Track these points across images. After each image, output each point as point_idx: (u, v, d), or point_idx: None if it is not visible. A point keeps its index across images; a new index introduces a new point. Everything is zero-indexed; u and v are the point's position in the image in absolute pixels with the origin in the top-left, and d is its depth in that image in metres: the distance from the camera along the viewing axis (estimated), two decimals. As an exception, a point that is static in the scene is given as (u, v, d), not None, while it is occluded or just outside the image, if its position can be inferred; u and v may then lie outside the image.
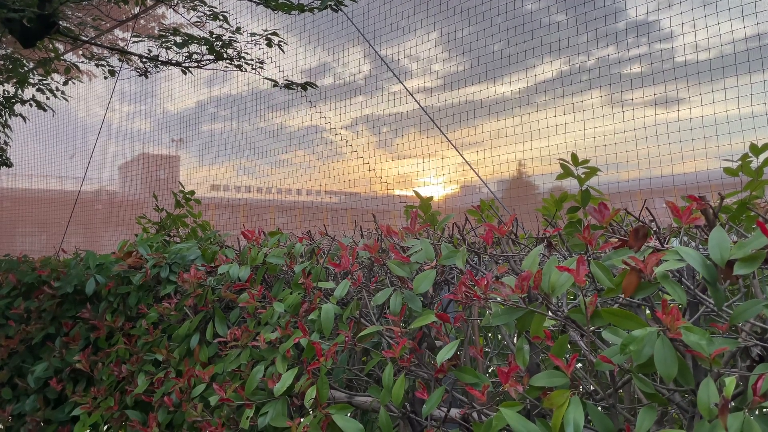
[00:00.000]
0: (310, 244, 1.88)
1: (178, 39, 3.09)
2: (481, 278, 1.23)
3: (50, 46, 3.96)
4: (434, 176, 3.76)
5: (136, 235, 3.95)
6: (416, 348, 1.39)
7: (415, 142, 3.79)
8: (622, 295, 1.09)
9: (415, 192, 2.58)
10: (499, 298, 1.21)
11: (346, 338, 1.50)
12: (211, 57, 3.43)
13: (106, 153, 7.02)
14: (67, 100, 5.43)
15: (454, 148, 3.20)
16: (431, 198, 2.47)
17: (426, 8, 3.76)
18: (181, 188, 3.95)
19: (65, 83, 4.60)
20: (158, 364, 2.25)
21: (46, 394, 2.88)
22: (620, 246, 1.13)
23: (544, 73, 3.23)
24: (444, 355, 1.27)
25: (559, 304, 1.22)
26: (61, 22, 3.05)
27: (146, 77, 3.95)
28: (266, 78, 3.45)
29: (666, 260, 1.03)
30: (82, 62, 4.02)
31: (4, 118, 5.52)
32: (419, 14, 3.80)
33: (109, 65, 3.92)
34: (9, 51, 5.26)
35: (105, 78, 4.04)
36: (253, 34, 3.20)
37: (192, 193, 4.00)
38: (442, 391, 1.31)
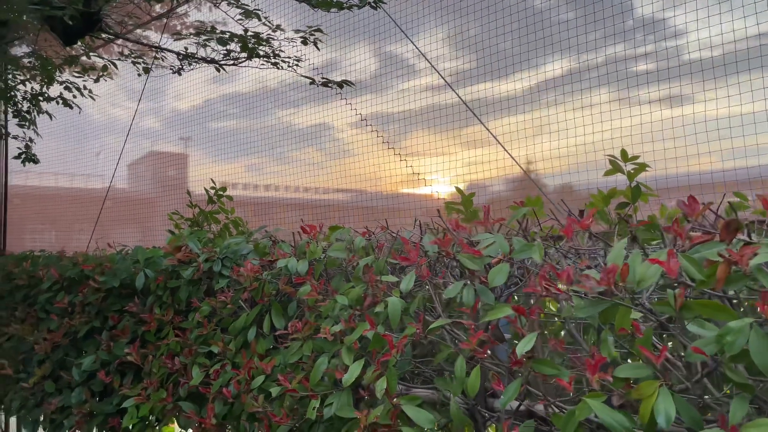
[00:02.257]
0: (369, 239, 1.90)
1: (221, 35, 3.12)
2: (562, 271, 1.26)
3: (90, 43, 4.00)
4: (441, 175, 3.75)
5: (171, 232, 4.01)
6: (491, 340, 1.42)
7: (422, 138, 3.79)
8: (708, 289, 1.12)
9: (457, 188, 2.60)
10: (581, 291, 1.23)
11: (417, 330, 1.52)
12: (255, 54, 3.46)
13: (116, 151, 7.11)
14: (93, 98, 5.48)
15: (498, 141, 3.21)
16: (473, 194, 2.49)
17: (435, 6, 3.77)
18: (212, 184, 3.99)
19: (96, 80, 4.65)
20: (212, 357, 2.29)
21: (91, 387, 2.93)
22: (706, 240, 1.15)
23: (554, 71, 3.23)
24: (523, 347, 1.29)
25: (647, 297, 1.24)
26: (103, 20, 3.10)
27: (179, 74, 3.99)
28: (304, 76, 3.48)
29: (758, 253, 1.05)
30: (119, 59, 4.06)
31: (32, 115, 5.58)
32: (428, 12, 3.80)
33: (144, 63, 3.95)
34: (35, 47, 5.32)
35: (139, 75, 4.07)
36: (297, 31, 3.23)
37: (224, 189, 4.04)
38: (519, 383, 1.34)
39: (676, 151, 2.73)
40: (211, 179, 4.29)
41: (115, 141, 7.07)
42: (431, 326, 1.51)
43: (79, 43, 3.82)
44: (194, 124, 6.04)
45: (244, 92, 5.33)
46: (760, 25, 2.58)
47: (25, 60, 5.47)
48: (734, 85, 2.60)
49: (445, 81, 3.50)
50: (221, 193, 4.03)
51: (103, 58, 3.94)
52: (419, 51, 3.54)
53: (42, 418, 3.19)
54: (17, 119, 5.87)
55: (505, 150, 3.11)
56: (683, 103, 2.76)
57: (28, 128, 5.83)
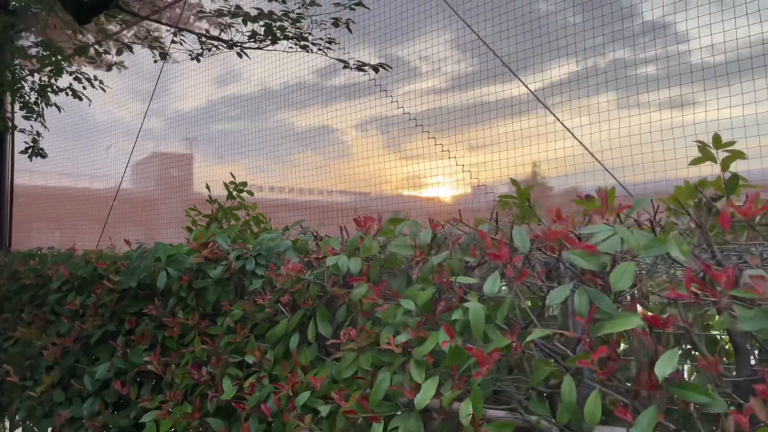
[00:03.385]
0: (435, 234, 1.63)
1: (246, 14, 2.86)
2: (719, 271, 0.98)
3: (106, 22, 3.75)
4: (442, 177, 3.71)
5: (189, 229, 3.75)
6: (613, 357, 1.14)
7: (422, 141, 3.74)
8: None
9: (512, 180, 2.33)
10: (746, 298, 0.96)
11: (514, 344, 1.25)
12: (278, 37, 3.20)
13: (120, 151, 7.00)
14: (104, 89, 5.24)
15: (566, 128, 2.94)
16: (531, 187, 2.22)
17: (439, 10, 3.70)
18: (232, 179, 3.75)
19: (108, 69, 4.40)
20: (244, 367, 2.02)
21: (104, 398, 2.67)
22: None
23: (560, 75, 3.19)
24: (665, 367, 1.02)
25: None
26: (118, -3, 2.85)
27: (198, 61, 3.73)
28: (337, 59, 3.21)
29: None
30: (136, 42, 3.80)
31: (40, 108, 5.33)
32: (432, 15, 3.71)
33: (161, 48, 3.70)
34: (44, 38, 5.07)
35: (155, 62, 3.82)
36: (337, 4, 2.96)
37: (244, 184, 3.79)
38: (655, 411, 1.06)
39: (684, 151, 2.68)
40: (231, 173, 4.03)
41: (121, 141, 6.91)
42: (530, 337, 1.24)
43: (94, 23, 3.56)
44: (199, 124, 5.89)
45: (245, 93, 5.23)
46: (764, 26, 2.54)
47: (33, 50, 5.23)
48: (736, 87, 2.57)
49: (515, 74, 3.22)
50: (241, 188, 3.78)
51: (118, 42, 3.68)
52: (489, 48, 3.26)
53: (50, 431, 2.93)
54: (24, 111, 5.62)
55: (580, 142, 2.83)
56: (687, 106, 2.71)
57: (36, 120, 5.58)
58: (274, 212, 4.48)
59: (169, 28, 3.62)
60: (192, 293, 2.32)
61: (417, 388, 1.42)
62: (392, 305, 1.57)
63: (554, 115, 2.89)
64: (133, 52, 3.86)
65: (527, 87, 3.20)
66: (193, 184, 6.43)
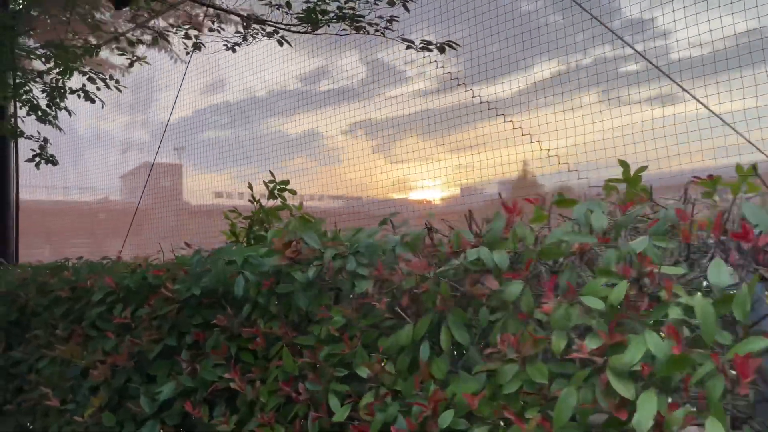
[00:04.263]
0: (614, 219, 1.37)
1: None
2: None
3: (145, 5, 3.45)
4: (430, 179, 3.74)
5: (233, 233, 3.46)
6: None
7: (413, 146, 3.78)
8: None
9: (621, 161, 2.07)
10: None
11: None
12: (319, 21, 2.93)
13: (108, 163, 6.88)
14: (120, 90, 4.94)
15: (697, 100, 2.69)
16: (644, 168, 1.96)
17: (423, 11, 3.60)
18: (271, 177, 3.48)
19: (130, 65, 4.11)
20: (352, 382, 1.74)
21: (165, 420, 2.38)
22: None
23: (542, 72, 3.21)
24: None
25: None
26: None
27: (233, 51, 3.45)
28: (402, 39, 2.94)
29: None
30: (170, 30, 3.51)
31: (53, 111, 5.02)
32: (417, 17, 3.61)
33: (197, 34, 3.40)
34: (47, 41, 4.78)
35: (187, 53, 3.54)
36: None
37: (286, 182, 3.52)
38: None
39: (668, 150, 2.66)
40: (270, 171, 3.75)
41: (106, 154, 6.73)
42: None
43: (131, 10, 3.27)
44: (188, 133, 5.76)
45: (232, 102, 5.18)
46: (747, 22, 2.53)
47: (41, 50, 4.93)
48: (725, 82, 2.59)
49: (655, 66, 2.98)
50: (283, 186, 3.51)
51: (151, 30, 3.39)
52: (628, 44, 3.02)
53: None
54: (32, 115, 5.29)
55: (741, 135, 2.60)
56: (669, 101, 2.72)
57: (48, 125, 5.26)
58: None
59: (207, 14, 3.32)
60: (273, 299, 2.04)
61: (622, 404, 1.15)
62: (563, 305, 1.31)
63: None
64: (169, 42, 3.57)
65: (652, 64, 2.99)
66: (182, 193, 6.28)
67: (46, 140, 5.42)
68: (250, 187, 3.64)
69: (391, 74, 3.55)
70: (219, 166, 5.54)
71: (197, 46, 3.48)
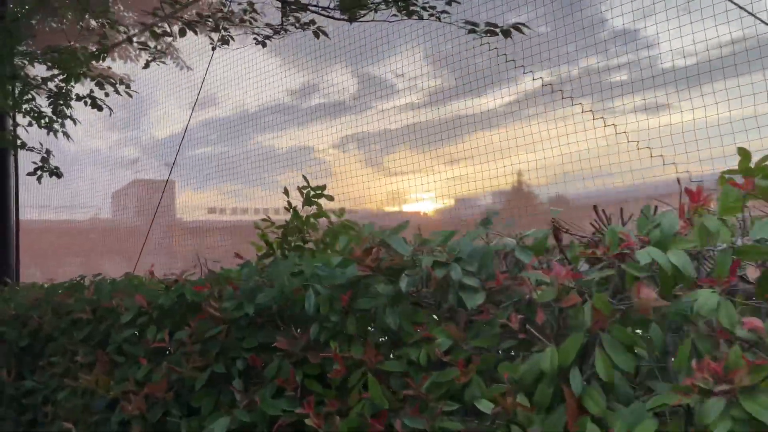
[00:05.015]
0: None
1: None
2: None
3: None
4: (424, 191, 3.76)
5: (267, 243, 3.14)
6: None
7: (405, 159, 3.82)
8: None
9: (740, 149, 1.77)
10: None
11: None
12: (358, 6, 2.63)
13: (96, 180, 6.78)
14: (130, 95, 4.63)
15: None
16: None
17: (409, 24, 3.53)
18: (305, 182, 3.16)
19: (146, 67, 3.80)
20: (467, 417, 1.42)
21: (211, 462, 2.04)
22: None
23: (533, 84, 3.18)
24: None
25: None
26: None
27: (263, 46, 3.14)
28: (464, 22, 2.63)
29: None
30: (199, 21, 3.18)
31: (62, 115, 4.69)
32: (403, 31, 3.57)
33: (228, 26, 3.09)
34: (49, 45, 4.47)
35: (213, 49, 3.23)
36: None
37: (323, 188, 3.19)
38: None
39: (652, 160, 2.67)
40: (304, 176, 3.43)
41: (94, 171, 6.49)
42: None
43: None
44: (177, 150, 5.51)
45: (222, 117, 5.14)
46: (732, 33, 2.55)
47: (46, 55, 4.62)
48: (709, 94, 2.58)
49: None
50: (319, 191, 3.18)
51: (179, 19, 3.07)
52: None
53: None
54: (34, 125, 4.97)
55: None
56: (660, 110, 2.73)
57: (53, 132, 4.93)
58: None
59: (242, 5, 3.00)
60: (351, 317, 1.72)
61: None
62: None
63: None
64: (197, 34, 3.26)
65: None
66: (175, 209, 6.11)
67: (48, 152, 5.11)
68: (286, 192, 3.31)
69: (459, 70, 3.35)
70: (210, 182, 5.39)
71: (225, 40, 3.16)
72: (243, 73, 4.55)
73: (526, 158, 3.18)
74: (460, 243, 1.57)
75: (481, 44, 3.02)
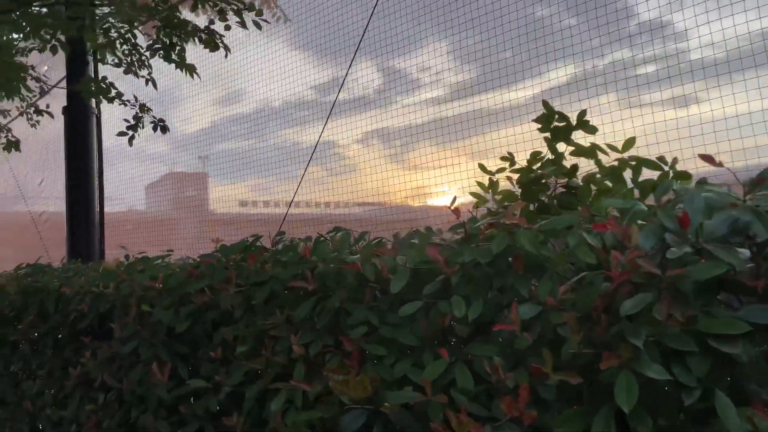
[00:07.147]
0: None
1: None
2: None
3: None
4: (448, 186, 3.78)
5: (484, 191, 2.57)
6: None
7: (430, 156, 3.85)
8: None
9: None
10: None
11: None
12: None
13: (132, 175, 6.99)
14: (260, 26, 3.75)
15: None
16: None
17: (435, 17, 3.70)
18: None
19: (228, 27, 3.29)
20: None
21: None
22: None
23: (558, 78, 3.23)
24: None
25: None
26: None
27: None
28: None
29: None
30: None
31: (172, 47, 3.84)
32: (429, 25, 3.71)
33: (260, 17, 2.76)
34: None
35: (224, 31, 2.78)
36: None
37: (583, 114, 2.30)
38: None
39: (683, 152, 2.67)
40: (544, 101, 2.93)
41: (130, 166, 6.73)
42: None
43: None
44: (208, 144, 5.78)
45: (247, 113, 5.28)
46: (762, 20, 2.50)
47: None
48: (740, 83, 2.55)
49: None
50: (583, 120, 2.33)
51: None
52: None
53: None
54: (125, 61, 4.18)
55: None
56: (689, 103, 2.73)
57: (142, 75, 4.23)
58: (296, 228, 4.51)
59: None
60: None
61: None
62: None
63: None
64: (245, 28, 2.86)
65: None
66: (208, 202, 6.30)
67: (143, 106, 4.26)
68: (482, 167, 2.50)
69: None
70: (242, 175, 5.56)
71: (257, 25, 2.77)
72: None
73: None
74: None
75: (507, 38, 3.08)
